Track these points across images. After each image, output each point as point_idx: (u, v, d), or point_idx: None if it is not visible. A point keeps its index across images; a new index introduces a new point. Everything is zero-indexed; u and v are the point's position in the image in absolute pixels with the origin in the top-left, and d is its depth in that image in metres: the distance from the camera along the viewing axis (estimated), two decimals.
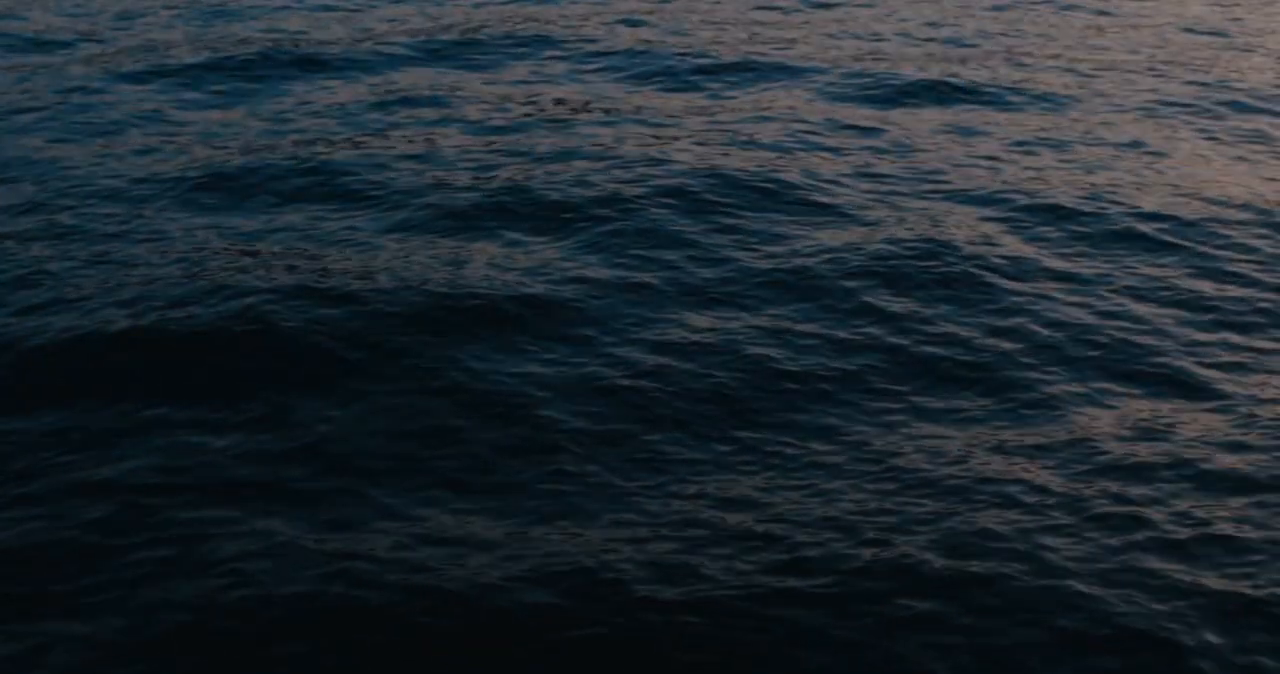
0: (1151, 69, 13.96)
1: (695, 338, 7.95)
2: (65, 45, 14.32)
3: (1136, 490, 6.62)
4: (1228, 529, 6.33)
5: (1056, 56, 14.40)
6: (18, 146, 11.06)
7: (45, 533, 6.17)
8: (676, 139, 11.36)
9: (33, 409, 7.13)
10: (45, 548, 6.07)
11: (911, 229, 9.46)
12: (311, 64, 13.54)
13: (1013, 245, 9.25)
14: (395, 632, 5.58)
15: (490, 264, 8.87)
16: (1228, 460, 6.90)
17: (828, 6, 16.55)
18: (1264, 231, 9.65)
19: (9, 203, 9.88)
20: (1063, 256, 9.14)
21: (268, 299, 8.26)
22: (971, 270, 8.84)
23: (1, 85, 12.80)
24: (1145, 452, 6.95)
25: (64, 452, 6.76)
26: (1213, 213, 9.90)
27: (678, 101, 12.58)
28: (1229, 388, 7.60)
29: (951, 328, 8.14)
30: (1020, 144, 11.41)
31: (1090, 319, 8.29)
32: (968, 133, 11.70)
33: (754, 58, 14.07)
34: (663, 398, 7.31)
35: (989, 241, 9.28)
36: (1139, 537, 6.24)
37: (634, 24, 15.46)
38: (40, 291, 8.41)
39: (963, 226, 9.53)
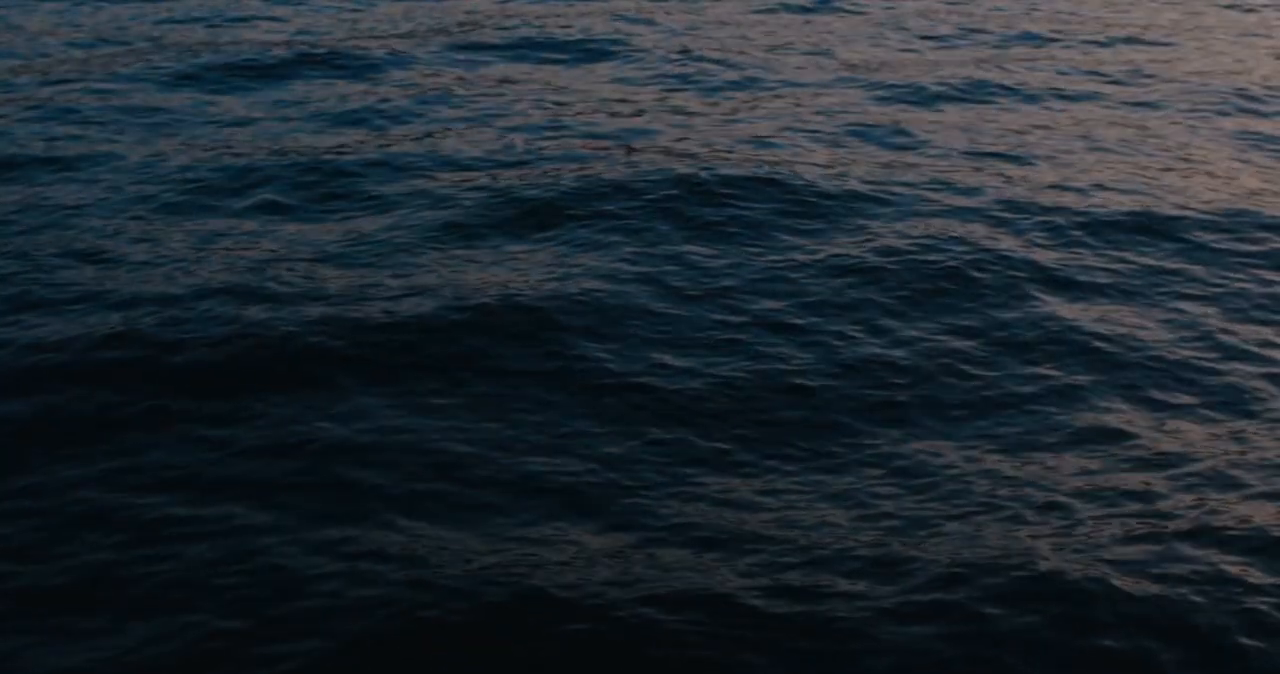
0: (1150, 68, 13.96)
1: (696, 335, 7.95)
2: (65, 45, 14.32)
3: (1138, 485, 6.63)
4: (1227, 521, 6.35)
5: (1053, 58, 14.41)
6: (17, 147, 11.06)
7: (52, 529, 6.19)
8: (684, 139, 11.37)
9: (37, 406, 7.14)
10: (50, 544, 6.08)
11: (913, 228, 9.47)
12: (312, 64, 13.54)
13: (1013, 245, 9.25)
14: (397, 627, 5.59)
15: (493, 263, 8.88)
16: (1230, 455, 6.92)
17: (827, 6, 16.55)
18: (1259, 231, 9.66)
19: (8, 202, 9.88)
20: (1063, 256, 9.14)
21: (267, 299, 8.27)
22: (971, 270, 8.85)
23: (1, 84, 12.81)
24: (1148, 448, 6.97)
25: (72, 448, 6.77)
26: (1212, 213, 9.91)
27: (678, 100, 12.59)
28: (1227, 384, 7.62)
29: (952, 327, 8.15)
30: (1020, 143, 11.42)
31: (1091, 317, 8.31)
32: (967, 132, 11.71)
33: (753, 58, 14.07)
34: (666, 397, 7.32)
35: (990, 241, 9.29)
36: (1141, 530, 6.26)
37: (635, 23, 15.46)
38: (39, 290, 8.41)
39: (963, 226, 9.53)
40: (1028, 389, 7.50)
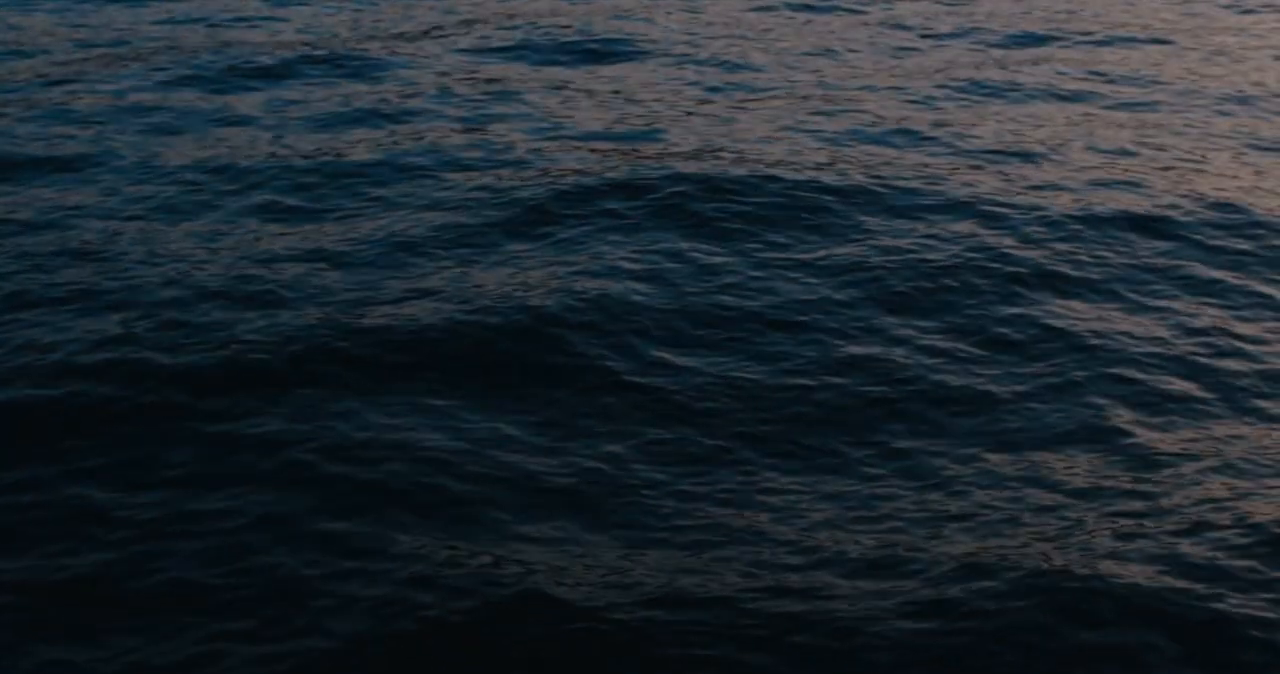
0: (1150, 68, 13.97)
1: (696, 334, 7.96)
2: (65, 45, 14.32)
3: (1138, 483, 6.64)
4: (1227, 519, 6.36)
5: (1053, 58, 14.41)
6: (17, 147, 11.06)
7: (51, 527, 6.19)
8: (684, 138, 11.37)
9: (35, 406, 7.15)
10: (49, 542, 6.08)
11: (914, 227, 9.48)
12: (313, 64, 13.54)
13: (1013, 244, 9.26)
14: (397, 627, 5.60)
15: (494, 264, 8.88)
16: (1230, 452, 6.94)
17: (827, 6, 16.55)
18: (1258, 230, 9.67)
19: (8, 202, 9.89)
20: (1063, 255, 9.15)
21: (267, 300, 8.28)
22: (971, 268, 8.85)
23: (2, 88, 12.81)
24: (1147, 446, 6.98)
25: (72, 446, 6.78)
26: (1211, 212, 9.92)
27: (679, 99, 12.59)
28: (1227, 382, 7.63)
29: (953, 325, 8.16)
30: (1019, 142, 11.43)
31: (1092, 316, 8.31)
32: (967, 132, 11.71)
33: (753, 58, 14.07)
34: (666, 396, 7.33)
35: (990, 240, 9.30)
36: (1142, 528, 6.27)
37: (635, 22, 15.47)
38: (38, 290, 8.42)
39: (963, 225, 9.54)
40: (1028, 387, 7.51)
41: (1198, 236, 9.51)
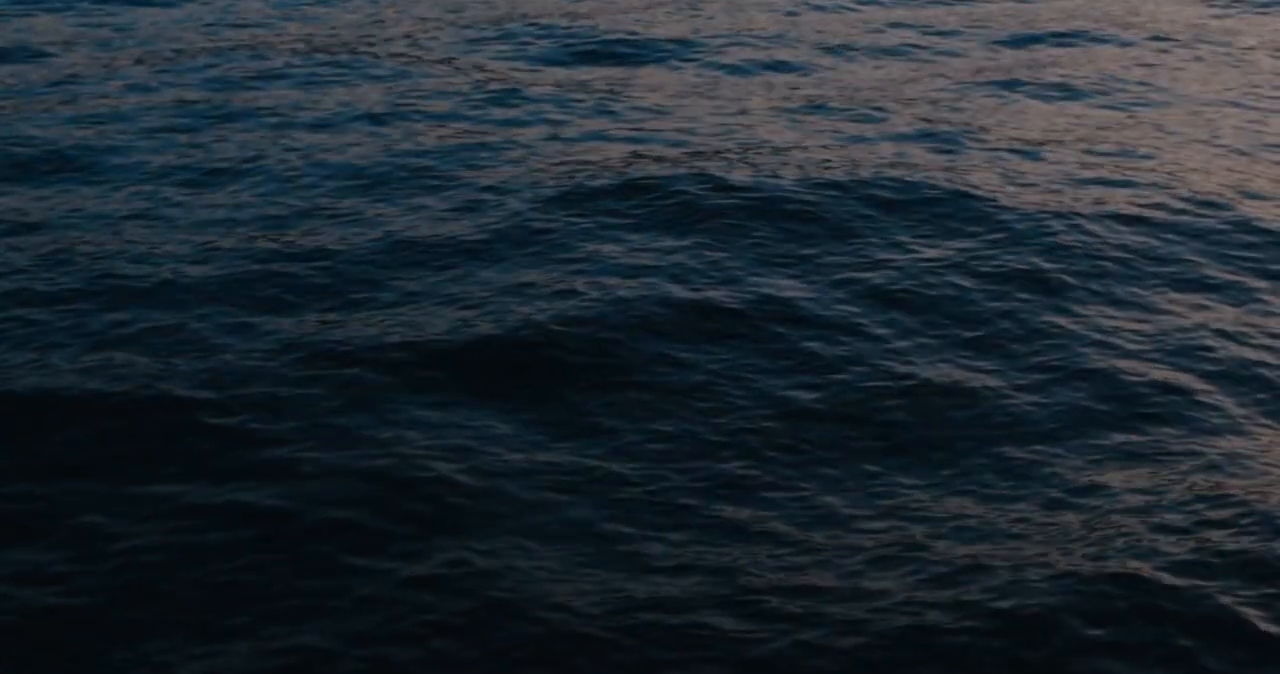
0: (1151, 68, 13.98)
1: (700, 328, 7.97)
2: (66, 47, 14.32)
3: (1144, 479, 6.66)
4: (1232, 514, 6.40)
5: (1054, 57, 14.42)
6: (19, 147, 11.06)
7: (51, 521, 6.20)
8: (686, 138, 11.37)
9: (35, 404, 7.15)
10: (46, 536, 6.09)
11: (914, 226, 9.48)
12: (315, 65, 13.54)
13: (1013, 242, 9.27)
14: (397, 627, 5.60)
15: (497, 261, 8.89)
16: (1235, 446, 6.96)
17: (828, 5, 16.55)
18: (1260, 229, 9.69)
19: (9, 201, 9.89)
20: (1065, 254, 9.16)
21: (269, 301, 8.29)
22: (971, 267, 8.86)
23: (3, 90, 12.81)
24: (1151, 442, 7.00)
25: (72, 443, 6.78)
26: (1214, 211, 9.93)
27: (682, 99, 12.59)
28: (1228, 377, 7.65)
29: (954, 321, 8.17)
30: (1019, 141, 11.43)
31: (1092, 314, 8.33)
32: (967, 131, 11.72)
33: (756, 58, 14.07)
34: (669, 393, 7.34)
35: (989, 238, 9.31)
36: (1147, 521, 6.28)
37: (637, 22, 15.47)
38: (39, 288, 8.42)
39: (962, 224, 9.55)
40: (1027, 386, 7.52)
41: (1198, 236, 9.52)
